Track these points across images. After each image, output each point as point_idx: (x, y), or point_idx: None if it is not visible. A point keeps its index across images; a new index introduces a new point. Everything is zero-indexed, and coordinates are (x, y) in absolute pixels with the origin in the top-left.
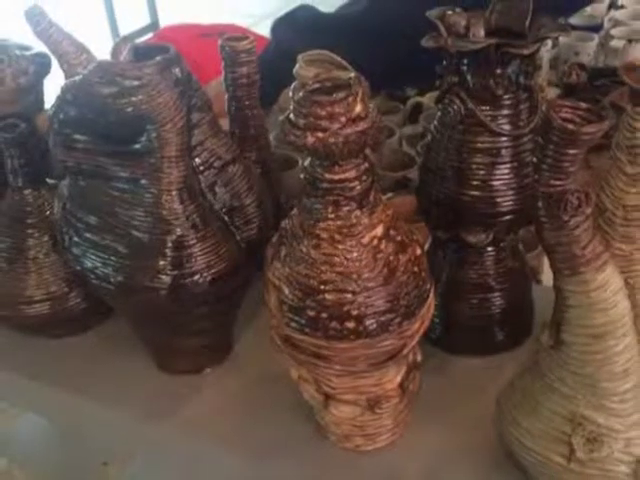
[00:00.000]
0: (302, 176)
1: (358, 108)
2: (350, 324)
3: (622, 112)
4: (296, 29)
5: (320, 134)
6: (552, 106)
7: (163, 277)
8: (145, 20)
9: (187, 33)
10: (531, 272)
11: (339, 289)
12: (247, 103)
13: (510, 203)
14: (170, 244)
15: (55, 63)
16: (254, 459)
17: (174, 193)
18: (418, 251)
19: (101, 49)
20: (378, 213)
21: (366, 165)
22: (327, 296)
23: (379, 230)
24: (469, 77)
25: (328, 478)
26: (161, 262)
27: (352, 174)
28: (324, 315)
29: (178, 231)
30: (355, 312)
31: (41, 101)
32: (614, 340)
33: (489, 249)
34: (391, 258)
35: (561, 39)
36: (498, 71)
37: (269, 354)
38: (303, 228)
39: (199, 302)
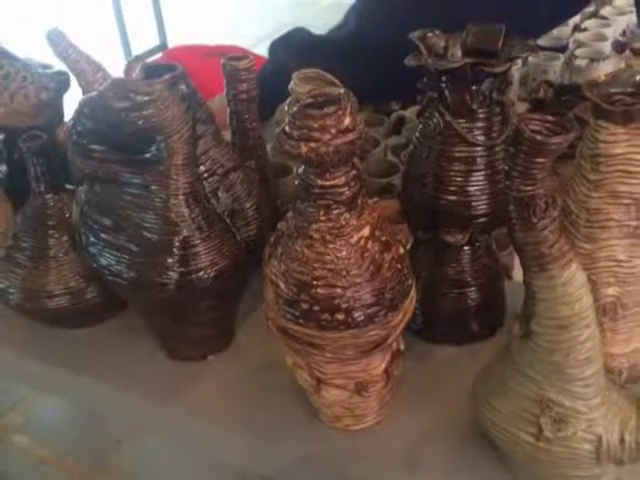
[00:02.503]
0: (296, 182)
1: (347, 121)
2: (340, 316)
3: (585, 125)
4: (291, 50)
5: (313, 144)
6: (522, 119)
7: (171, 273)
8: (154, 41)
9: (193, 53)
10: (503, 269)
11: (330, 284)
12: (247, 117)
13: (484, 207)
14: (177, 244)
15: (74, 80)
16: (253, 438)
17: (181, 198)
18: (401, 250)
19: (115, 68)
20: (365, 215)
21: (354, 172)
22: (319, 290)
23: (366, 231)
24: (447, 93)
25: (320, 455)
26: (169, 260)
27: (342, 180)
28: (316, 308)
29: (184, 232)
30: (344, 305)
31: (61, 114)
32: (578, 330)
33: (465, 248)
34: (377, 256)
35: (530, 59)
36: (473, 87)
37: (267, 343)
38: (297, 229)
39: (203, 296)
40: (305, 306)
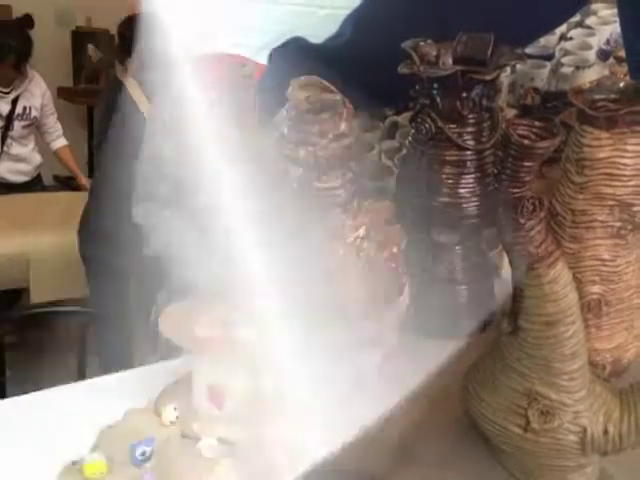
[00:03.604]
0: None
1: (343, 126)
2: None
3: (571, 130)
4: (289, 58)
5: (310, 148)
6: (510, 124)
7: None
8: None
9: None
10: (493, 267)
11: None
12: None
13: (474, 208)
14: None
15: None
16: None
17: None
18: (395, 249)
19: None
20: (361, 216)
21: (350, 175)
22: None
23: (361, 231)
24: (439, 99)
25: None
26: None
27: (338, 183)
28: None
29: None
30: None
31: None
32: (564, 327)
33: (457, 247)
34: (372, 255)
35: (518, 66)
36: (464, 94)
37: None
38: None
39: None
40: None
